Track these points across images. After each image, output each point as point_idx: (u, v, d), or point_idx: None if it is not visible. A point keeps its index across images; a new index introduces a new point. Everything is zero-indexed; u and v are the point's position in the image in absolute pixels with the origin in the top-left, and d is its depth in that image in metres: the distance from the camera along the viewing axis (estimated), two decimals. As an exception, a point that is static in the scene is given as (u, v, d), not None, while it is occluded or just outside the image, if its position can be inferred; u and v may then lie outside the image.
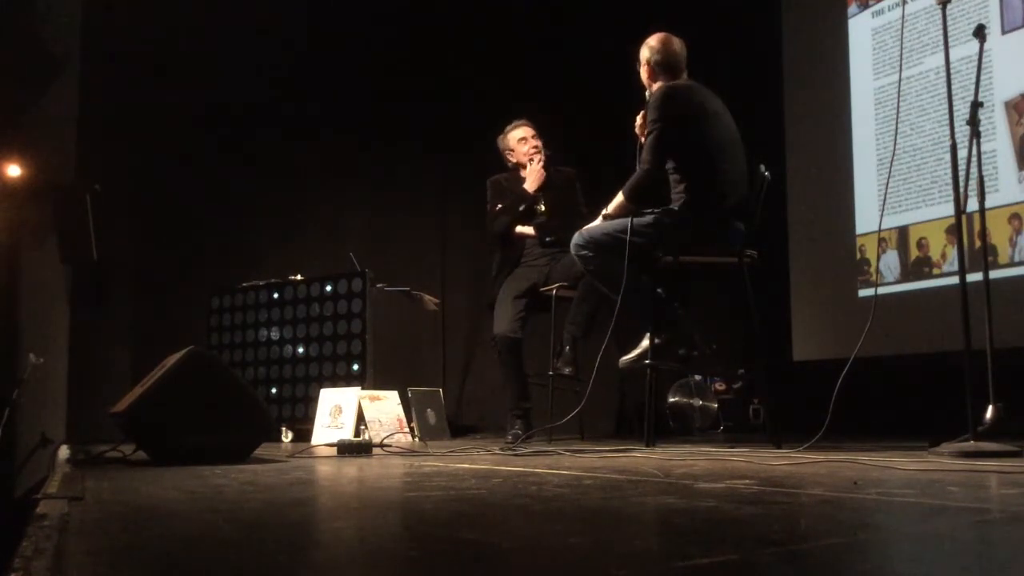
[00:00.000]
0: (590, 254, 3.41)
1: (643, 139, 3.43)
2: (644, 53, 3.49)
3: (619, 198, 3.44)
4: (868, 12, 4.71)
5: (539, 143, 4.29)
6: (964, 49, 3.81)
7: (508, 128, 4.37)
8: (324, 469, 2.57)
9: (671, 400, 5.04)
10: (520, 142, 4.30)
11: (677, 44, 3.46)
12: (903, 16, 3.19)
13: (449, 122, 5.77)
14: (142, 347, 5.00)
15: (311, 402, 4.49)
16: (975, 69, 2.81)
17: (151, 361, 3.09)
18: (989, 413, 2.60)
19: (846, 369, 2.85)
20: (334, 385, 4.42)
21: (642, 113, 3.48)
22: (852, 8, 4.80)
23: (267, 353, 4.93)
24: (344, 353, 4.59)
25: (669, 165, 3.36)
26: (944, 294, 4.06)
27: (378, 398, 4.28)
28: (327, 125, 5.67)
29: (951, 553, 1.05)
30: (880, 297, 3.77)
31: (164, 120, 5.29)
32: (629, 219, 3.31)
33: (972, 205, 2.75)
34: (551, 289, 4.04)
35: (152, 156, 5.31)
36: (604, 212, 3.49)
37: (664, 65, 3.43)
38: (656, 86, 3.43)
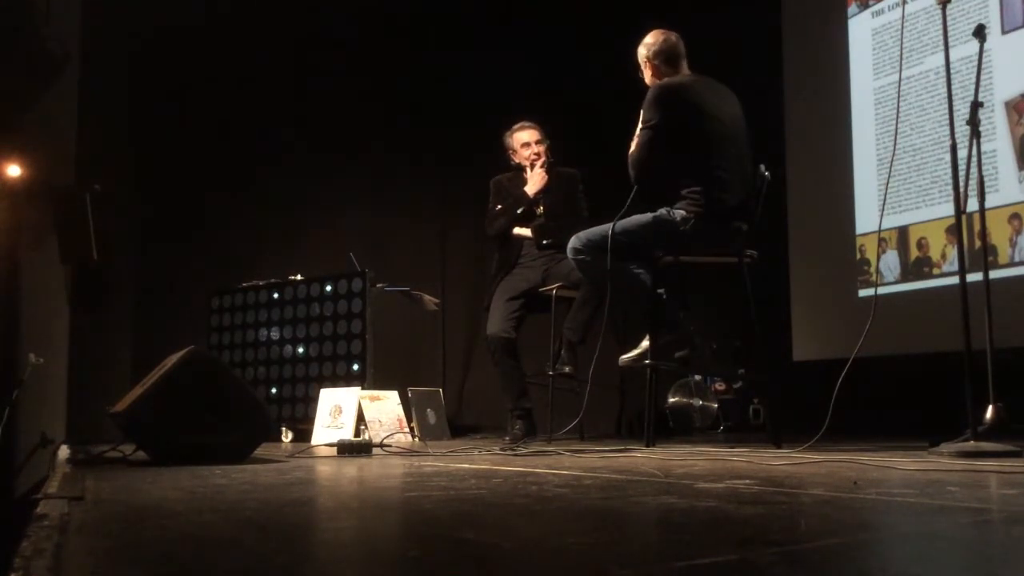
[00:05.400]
0: (587, 258, 3.40)
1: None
2: (641, 52, 3.47)
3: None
4: (868, 12, 4.71)
5: (542, 148, 4.29)
6: (964, 49, 3.81)
7: (515, 127, 4.36)
8: (324, 469, 2.57)
9: (671, 400, 5.04)
10: (524, 146, 4.30)
11: (672, 36, 3.44)
12: (903, 16, 3.19)
13: (450, 122, 5.77)
14: (142, 347, 5.01)
15: (311, 402, 4.49)
16: (975, 69, 2.81)
17: (151, 361, 3.09)
18: (989, 413, 2.60)
19: (846, 369, 2.85)
20: (334, 385, 4.42)
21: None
22: (852, 8, 4.80)
23: (267, 353, 4.93)
24: (344, 353, 4.59)
25: (667, 165, 3.35)
26: (944, 294, 4.05)
27: (378, 398, 4.28)
28: (327, 125, 5.67)
29: (951, 553, 1.05)
30: (880, 297, 3.77)
31: (164, 120, 5.30)
32: (613, 224, 3.31)
33: (972, 205, 2.75)
34: (551, 289, 4.04)
35: (152, 156, 5.31)
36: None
37: (664, 58, 3.41)
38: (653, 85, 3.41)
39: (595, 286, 3.64)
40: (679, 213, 3.25)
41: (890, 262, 4.45)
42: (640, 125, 3.33)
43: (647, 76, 3.46)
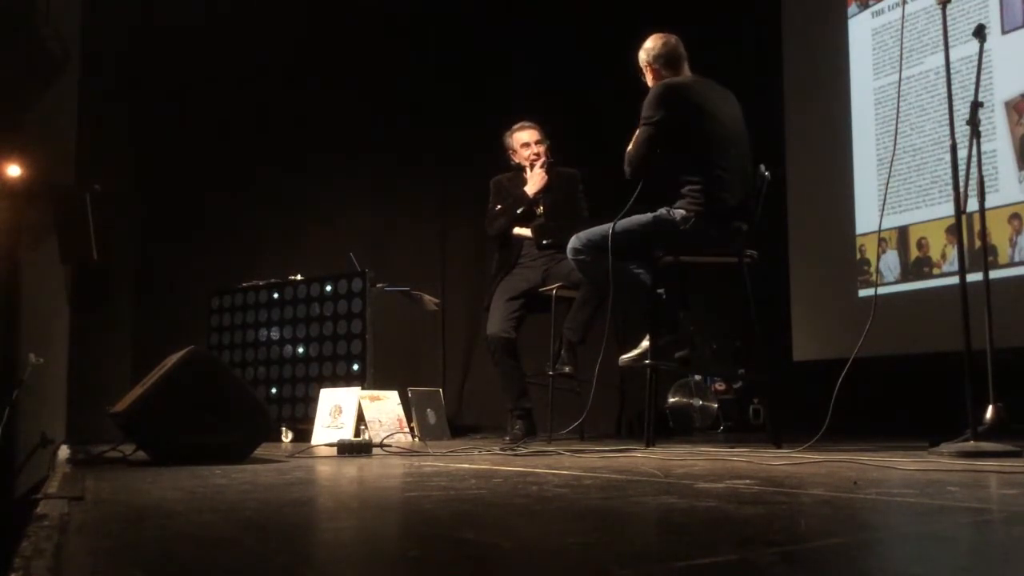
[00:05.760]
0: (587, 258, 3.40)
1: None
2: (642, 56, 3.47)
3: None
4: (868, 12, 4.71)
5: (542, 149, 4.28)
6: (964, 49, 3.81)
7: (515, 127, 4.35)
8: (324, 469, 2.57)
9: (671, 400, 5.04)
10: (523, 147, 4.30)
11: (672, 39, 3.45)
12: (903, 16, 3.19)
13: (450, 122, 5.77)
14: (142, 347, 5.01)
15: (311, 402, 4.49)
16: (975, 69, 2.81)
17: (151, 361, 3.09)
18: (989, 413, 2.60)
19: (846, 369, 2.85)
20: (334, 385, 4.42)
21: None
22: (852, 8, 4.80)
23: (267, 353, 4.93)
24: (344, 353, 4.59)
25: (667, 164, 3.36)
26: (944, 294, 4.05)
27: (378, 398, 4.28)
28: (327, 125, 5.67)
29: (951, 553, 1.05)
30: (880, 297, 3.77)
31: (164, 120, 5.29)
32: (613, 224, 3.32)
33: (972, 205, 2.75)
34: (551, 289, 4.04)
35: (152, 156, 5.31)
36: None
37: (664, 61, 3.41)
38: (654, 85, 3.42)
39: (595, 286, 3.64)
40: (679, 213, 3.25)
41: (890, 262, 4.45)
42: (640, 122, 3.33)
43: (648, 80, 3.47)
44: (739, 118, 3.40)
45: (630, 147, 3.36)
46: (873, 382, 3.85)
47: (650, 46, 3.45)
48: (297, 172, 5.61)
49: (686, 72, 3.43)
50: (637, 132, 3.34)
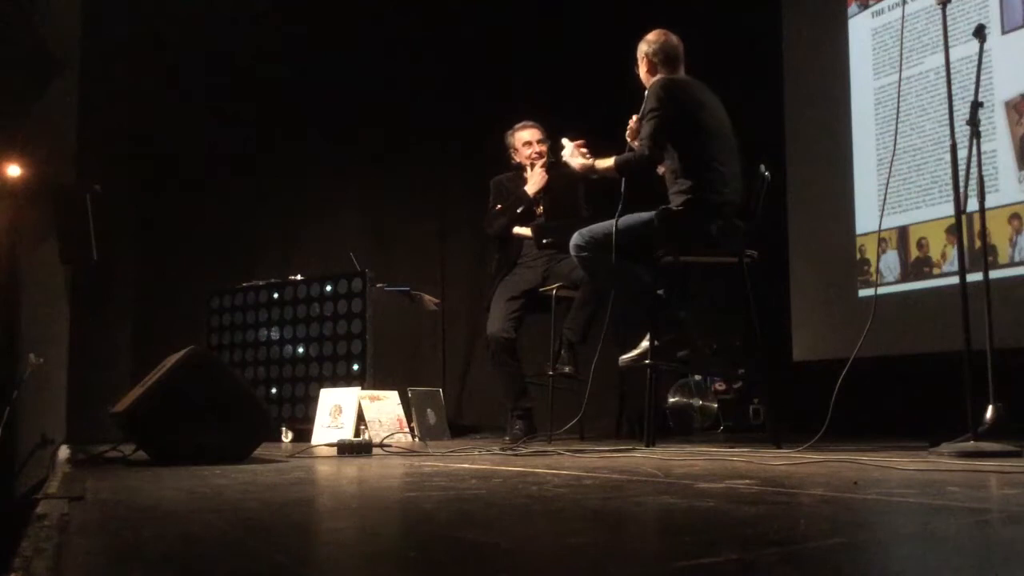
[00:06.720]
0: (589, 255, 3.41)
1: (633, 143, 3.44)
2: (642, 48, 3.49)
3: (609, 162, 3.42)
4: (868, 12, 4.71)
5: (544, 148, 4.29)
6: (964, 49, 3.81)
7: (517, 126, 4.36)
8: (324, 469, 2.57)
9: (671, 400, 5.04)
10: (525, 145, 4.30)
11: (675, 39, 3.47)
12: (903, 16, 3.20)
13: (450, 121, 5.77)
14: (142, 347, 5.01)
15: (311, 402, 4.49)
16: (975, 69, 2.81)
17: (151, 361, 3.09)
18: (989, 413, 2.60)
19: (846, 369, 2.85)
20: (334, 385, 4.42)
21: (634, 117, 3.47)
22: (852, 8, 4.80)
23: (267, 353, 4.93)
24: (344, 353, 4.59)
25: (667, 161, 3.37)
26: (944, 294, 4.05)
27: (378, 398, 4.28)
28: (327, 125, 5.67)
29: (951, 553, 1.05)
30: (880, 297, 3.77)
31: (164, 120, 5.30)
32: (615, 220, 3.32)
33: (972, 205, 2.75)
34: (551, 289, 4.04)
35: (152, 156, 5.31)
36: (593, 164, 3.49)
37: (662, 58, 3.43)
38: (655, 79, 3.43)
39: (594, 286, 3.65)
40: (680, 209, 3.26)
41: (890, 262, 4.45)
42: (647, 116, 3.33)
43: (642, 71, 3.49)
44: (728, 120, 3.44)
45: (644, 136, 3.35)
46: (873, 382, 3.85)
47: (652, 39, 3.47)
48: (297, 172, 5.61)
49: (681, 73, 3.45)
50: (646, 122, 3.34)
